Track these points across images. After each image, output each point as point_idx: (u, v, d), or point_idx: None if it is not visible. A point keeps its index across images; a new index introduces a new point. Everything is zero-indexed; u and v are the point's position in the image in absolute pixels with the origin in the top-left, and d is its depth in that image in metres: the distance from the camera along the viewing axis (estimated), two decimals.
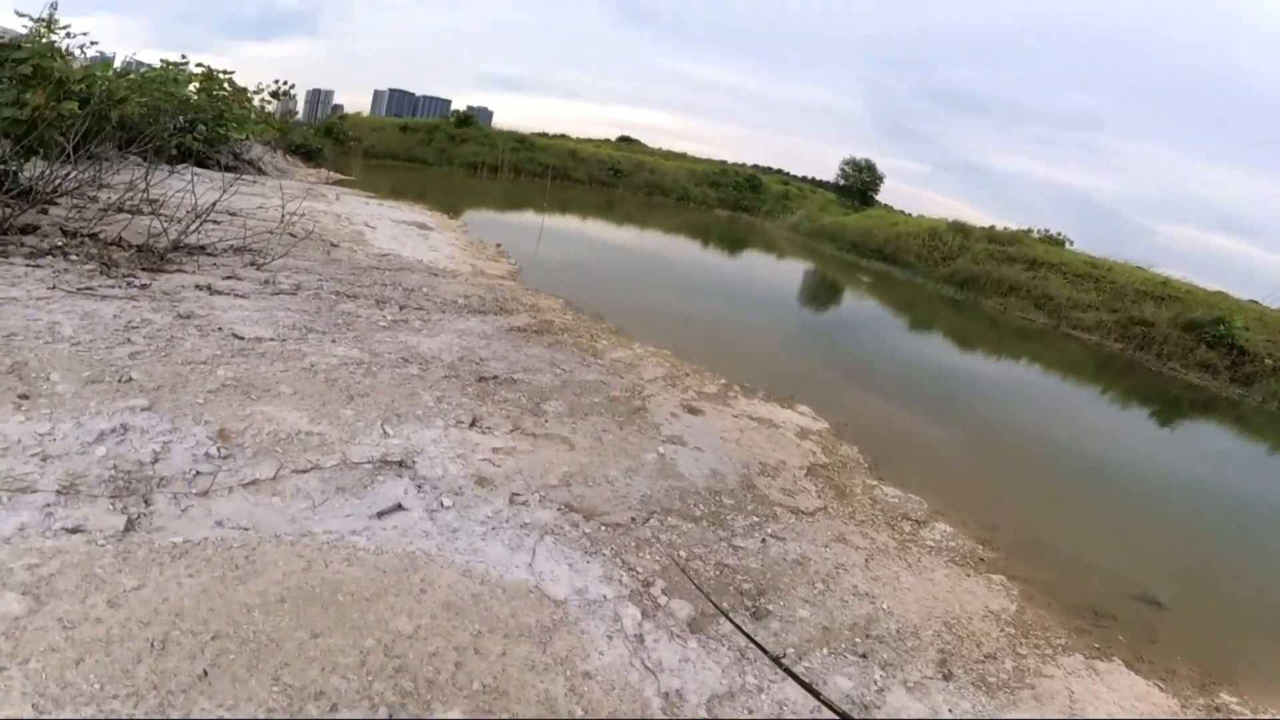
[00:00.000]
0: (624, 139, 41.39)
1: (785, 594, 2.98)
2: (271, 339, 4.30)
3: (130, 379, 3.29)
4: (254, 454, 2.94)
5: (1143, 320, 16.08)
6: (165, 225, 5.84)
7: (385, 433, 3.43)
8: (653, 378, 5.48)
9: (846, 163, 31.50)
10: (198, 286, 5.00)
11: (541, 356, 5.27)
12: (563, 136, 35.58)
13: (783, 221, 27.84)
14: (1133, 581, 4.35)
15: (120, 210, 6.28)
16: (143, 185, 6.62)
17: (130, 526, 2.32)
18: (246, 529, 2.47)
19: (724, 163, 37.12)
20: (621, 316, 7.74)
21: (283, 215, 7.52)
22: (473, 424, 3.78)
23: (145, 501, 2.46)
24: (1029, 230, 23.19)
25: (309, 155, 20.33)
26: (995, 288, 18.71)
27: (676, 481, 3.77)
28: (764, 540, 3.28)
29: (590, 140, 36.80)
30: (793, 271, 19.93)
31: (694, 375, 5.89)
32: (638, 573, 2.86)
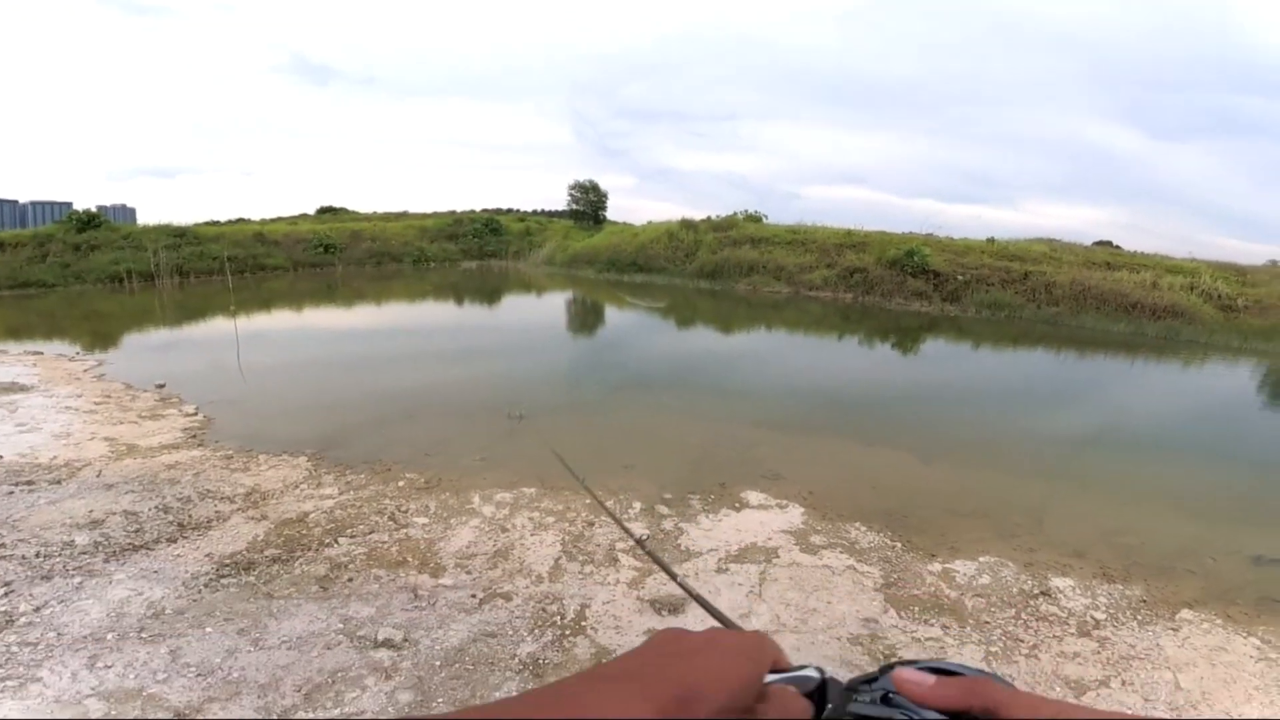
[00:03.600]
0: (326, 210, 35.28)
1: None
2: None
3: None
4: None
5: (857, 268, 18.57)
6: None
7: None
8: (554, 560, 3.46)
9: (574, 187, 31.52)
10: None
11: (321, 631, 2.74)
12: (242, 221, 28.75)
13: (535, 258, 26.59)
14: (1233, 547, 4.34)
15: None
16: None
17: None
18: None
19: (454, 212, 34.10)
20: (424, 450, 5.35)
21: None
22: None
23: None
24: (735, 214, 25.71)
25: None
26: (737, 271, 20.01)
27: None
28: None
29: (282, 219, 30.35)
30: (570, 306, 18.68)
31: (596, 517, 4.01)
32: None
